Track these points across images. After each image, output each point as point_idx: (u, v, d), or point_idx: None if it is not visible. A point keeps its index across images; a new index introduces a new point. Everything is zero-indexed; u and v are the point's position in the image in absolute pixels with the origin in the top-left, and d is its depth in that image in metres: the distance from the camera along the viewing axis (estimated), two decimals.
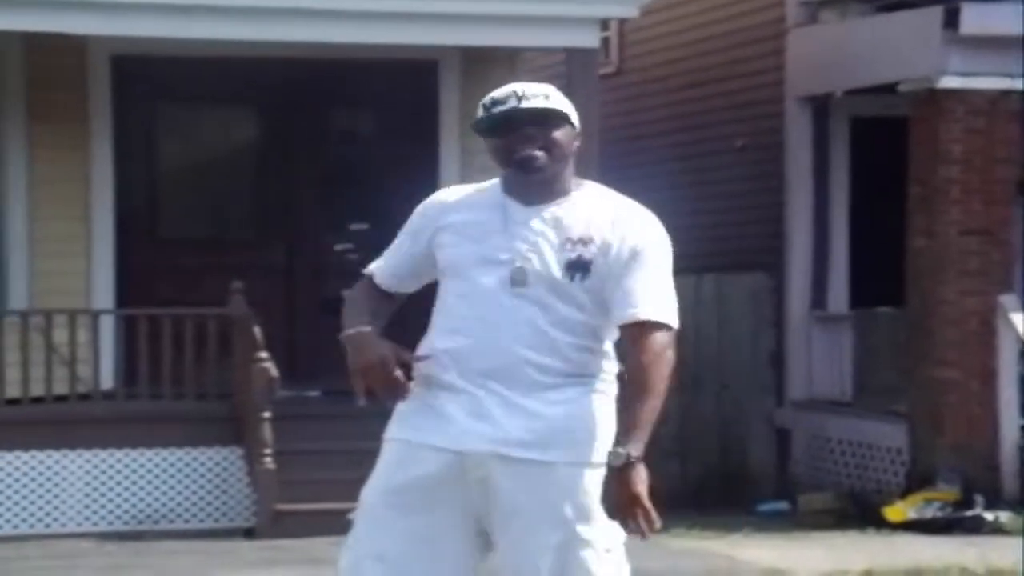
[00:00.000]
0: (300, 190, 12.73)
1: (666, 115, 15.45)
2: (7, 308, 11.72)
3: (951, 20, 11.66)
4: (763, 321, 13.81)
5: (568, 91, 13.99)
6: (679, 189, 15.18)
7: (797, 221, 13.56)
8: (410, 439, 4.02)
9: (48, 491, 11.21)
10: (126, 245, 12.25)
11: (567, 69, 12.16)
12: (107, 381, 11.73)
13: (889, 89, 12.28)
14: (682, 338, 14.24)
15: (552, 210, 4.03)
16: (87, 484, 11.25)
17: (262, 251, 12.65)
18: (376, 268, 4.20)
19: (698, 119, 14.98)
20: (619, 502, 3.92)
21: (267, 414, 10.81)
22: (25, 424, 11.20)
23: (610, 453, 3.92)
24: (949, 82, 11.80)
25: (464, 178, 10.54)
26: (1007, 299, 11.94)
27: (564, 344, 3.99)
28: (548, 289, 3.98)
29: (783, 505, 12.80)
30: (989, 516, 11.30)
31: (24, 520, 11.17)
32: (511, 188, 4.06)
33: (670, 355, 3.98)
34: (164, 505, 11.30)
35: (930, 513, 11.42)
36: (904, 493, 11.82)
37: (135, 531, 11.10)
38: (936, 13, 11.78)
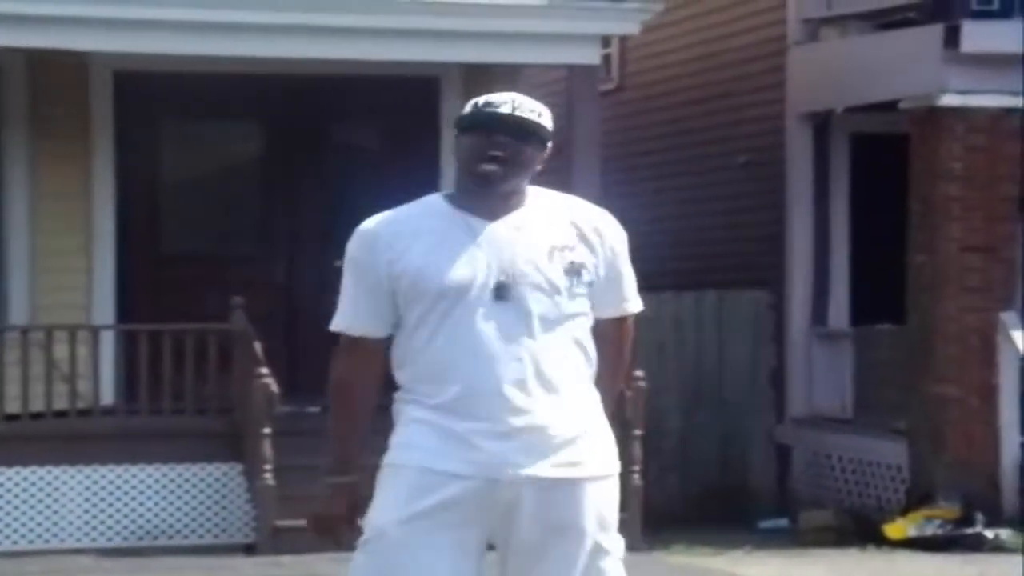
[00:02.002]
0: (301, 205, 12.74)
1: (667, 132, 15.46)
2: (7, 323, 11.72)
3: (951, 38, 11.68)
4: (764, 337, 13.81)
5: (569, 108, 14.05)
6: (680, 205, 15.20)
7: (798, 238, 13.56)
8: (429, 466, 3.94)
9: (48, 507, 11.21)
10: (127, 260, 12.26)
11: (568, 86, 12.18)
12: (107, 397, 11.72)
13: (890, 106, 12.30)
14: (682, 354, 14.19)
15: (521, 218, 3.99)
16: (87, 500, 11.24)
17: (263, 267, 12.65)
18: (357, 324, 4.02)
19: (699, 136, 14.99)
20: None
21: (267, 430, 10.81)
22: (25, 440, 11.19)
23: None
24: (950, 100, 11.82)
25: None
26: (1008, 316, 11.94)
27: (570, 353, 4.00)
28: (548, 299, 3.96)
29: (783, 522, 12.79)
30: (990, 534, 11.29)
31: (24, 536, 11.16)
32: (465, 202, 3.99)
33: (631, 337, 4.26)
34: (164, 521, 11.29)
35: (930, 530, 11.41)
36: (904, 510, 11.81)
37: (135, 547, 11.09)
38: (937, 31, 11.80)
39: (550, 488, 3.95)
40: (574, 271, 3.98)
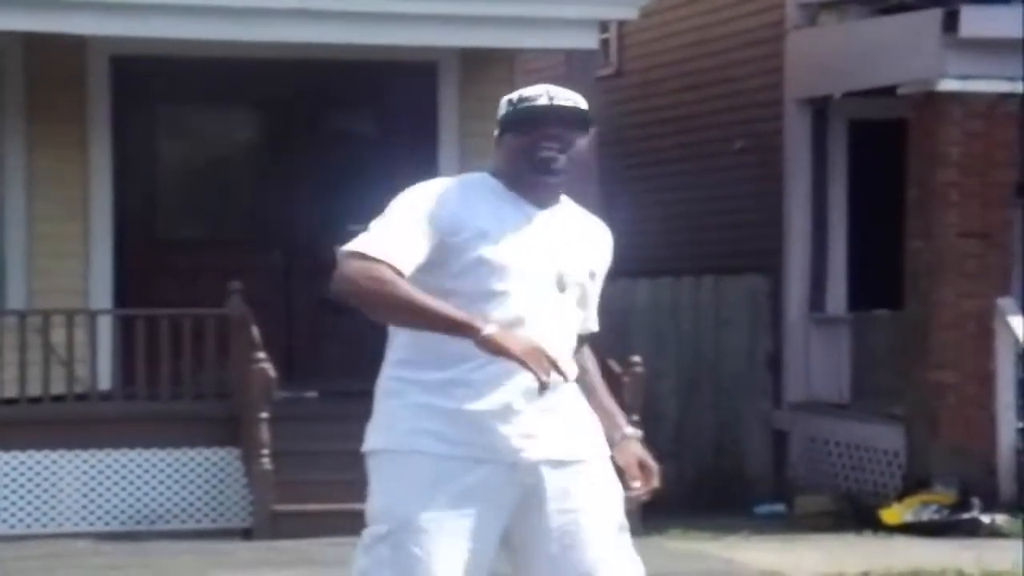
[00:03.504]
0: (298, 191, 12.73)
1: (665, 117, 15.46)
2: (5, 308, 11.72)
3: (950, 23, 11.67)
4: (761, 323, 13.81)
5: None
6: (678, 191, 15.19)
7: (795, 223, 13.56)
8: (446, 452, 3.90)
9: (45, 491, 11.21)
10: (124, 245, 12.26)
11: (566, 71, 12.16)
12: (104, 381, 11.72)
13: (888, 92, 12.29)
14: (679, 340, 14.17)
15: (564, 216, 4.05)
16: (84, 484, 11.25)
17: (260, 252, 12.65)
18: (383, 248, 3.80)
19: (697, 121, 14.98)
20: (647, 466, 4.14)
21: (264, 415, 10.81)
22: (22, 424, 11.20)
23: (629, 433, 4.17)
24: (948, 85, 11.81)
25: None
26: (1005, 302, 11.94)
27: (578, 345, 4.11)
28: (580, 293, 4.05)
29: (780, 507, 12.81)
30: (986, 519, 11.30)
31: (21, 520, 11.17)
32: (518, 187, 3.98)
33: None
34: (161, 505, 11.30)
35: (927, 516, 11.42)
36: (901, 495, 11.82)
37: (132, 531, 11.09)
38: (935, 16, 11.79)
39: (568, 469, 3.98)
40: (592, 276, 4.09)
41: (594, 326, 4.18)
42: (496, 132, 4.02)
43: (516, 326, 3.88)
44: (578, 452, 4.01)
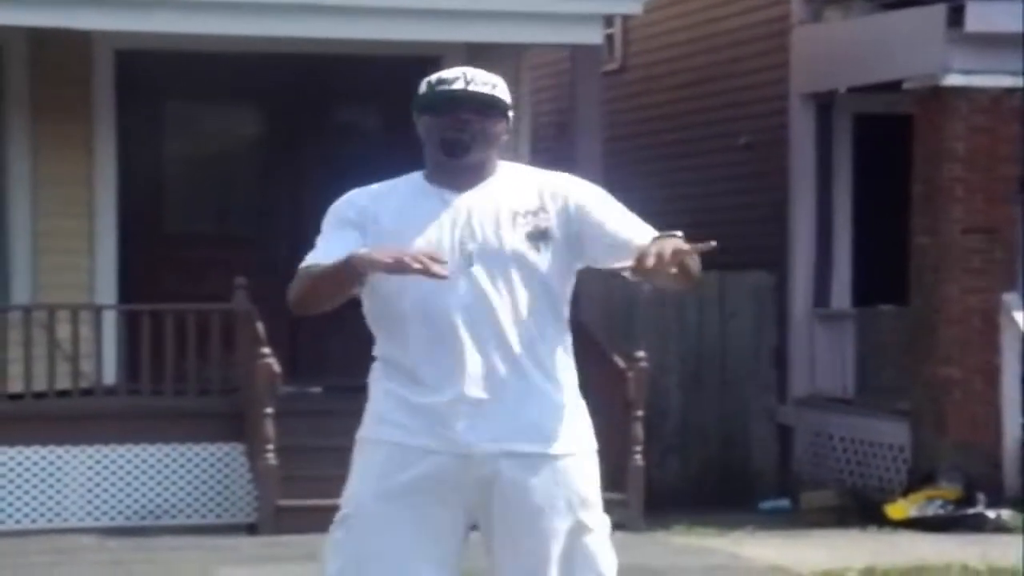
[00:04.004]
0: (304, 186, 12.73)
1: (669, 112, 15.45)
2: (10, 303, 11.72)
3: (955, 18, 11.65)
4: (766, 318, 13.81)
5: (572, 88, 14.01)
6: (682, 186, 15.18)
7: (800, 218, 13.55)
8: (401, 441, 3.95)
9: (50, 486, 11.22)
10: (129, 241, 12.26)
11: (571, 66, 12.16)
12: (109, 376, 11.73)
13: (893, 87, 12.28)
14: (685, 335, 14.15)
15: (488, 189, 4.00)
16: (89, 479, 11.26)
17: (265, 247, 12.65)
18: (311, 259, 4.02)
19: (702, 116, 14.97)
20: (677, 248, 3.86)
21: (270, 410, 10.81)
22: (27, 419, 11.21)
23: (664, 234, 3.91)
24: (953, 80, 11.79)
25: None
26: (1010, 297, 11.93)
27: (540, 324, 3.97)
28: (516, 268, 3.95)
29: (785, 502, 12.80)
30: (991, 514, 11.30)
31: (26, 515, 11.18)
32: (438, 177, 4.02)
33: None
34: (166, 501, 11.31)
35: (932, 511, 11.42)
36: (906, 491, 11.82)
37: (137, 527, 11.10)
38: (940, 11, 11.77)
39: (525, 463, 3.94)
40: (539, 235, 3.97)
41: (646, 237, 3.92)
42: (415, 114, 4.05)
43: (426, 312, 3.90)
44: (541, 446, 3.95)
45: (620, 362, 11.18)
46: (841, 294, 13.50)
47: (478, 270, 3.92)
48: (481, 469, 3.93)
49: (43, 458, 11.25)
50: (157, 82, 12.43)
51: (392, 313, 3.98)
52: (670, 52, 15.40)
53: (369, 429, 4.03)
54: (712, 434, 13.72)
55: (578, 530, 3.99)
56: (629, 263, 3.88)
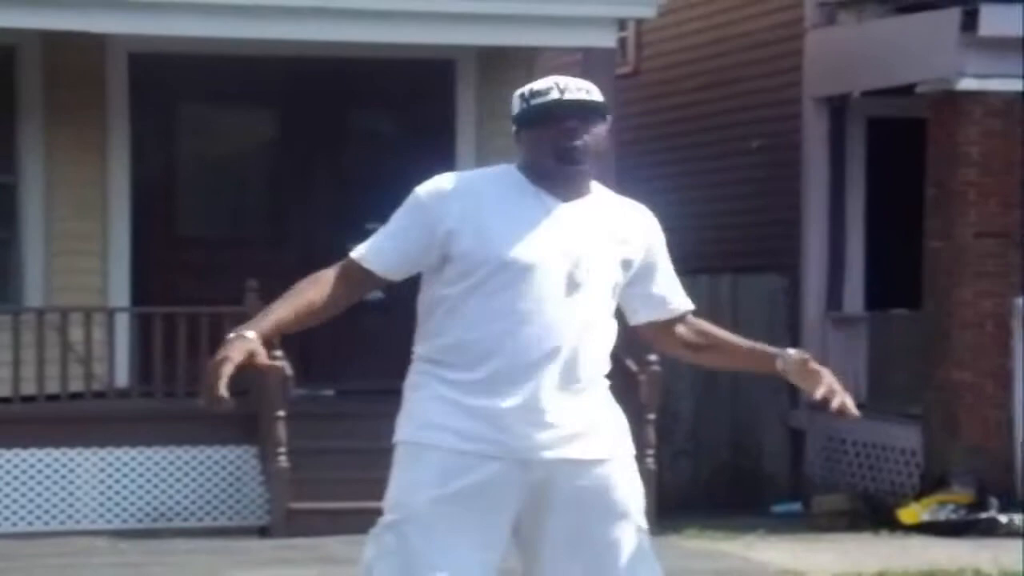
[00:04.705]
0: (316, 189, 12.74)
1: (683, 115, 15.44)
2: (23, 306, 11.74)
3: (969, 22, 11.64)
4: (778, 322, 13.79)
5: None
6: (695, 190, 15.17)
7: (813, 222, 13.54)
8: (460, 447, 3.91)
9: (62, 488, 11.23)
10: (142, 243, 12.27)
11: (584, 69, 12.15)
12: (122, 379, 11.74)
13: (906, 91, 12.26)
14: None
15: (590, 206, 4.01)
16: (101, 482, 11.27)
17: (278, 250, 12.66)
18: (370, 253, 3.97)
19: (715, 120, 14.97)
20: (828, 379, 4.34)
21: (281, 413, 10.82)
22: (40, 421, 11.22)
23: (793, 354, 4.37)
24: (967, 84, 11.78)
25: None
26: (1023, 301, 11.91)
27: (603, 346, 4.03)
28: (603, 287, 4.00)
29: (797, 506, 12.79)
30: (1003, 518, 11.28)
31: (38, 517, 11.20)
32: (542, 181, 3.97)
33: None
34: (178, 503, 11.32)
35: (944, 515, 11.40)
36: (918, 495, 11.80)
37: (149, 529, 11.11)
38: (954, 15, 11.76)
39: (582, 469, 3.97)
40: (626, 264, 4.05)
41: (681, 306, 4.21)
42: (514, 129, 4.01)
43: (514, 319, 3.88)
44: (596, 452, 3.98)
45: (632, 366, 11.18)
46: (854, 298, 13.49)
47: (575, 287, 3.95)
48: (536, 474, 3.94)
49: (55, 460, 11.27)
50: (170, 85, 12.44)
51: (460, 316, 3.93)
52: (683, 56, 15.39)
53: (419, 434, 3.96)
54: (724, 438, 13.71)
55: (634, 531, 4.03)
56: (656, 317, 4.18)
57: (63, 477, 11.25)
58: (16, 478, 11.19)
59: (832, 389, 4.24)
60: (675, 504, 11.77)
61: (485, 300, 3.89)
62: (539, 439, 3.92)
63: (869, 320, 13.18)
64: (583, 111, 3.96)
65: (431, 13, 11.30)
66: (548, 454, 3.93)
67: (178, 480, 11.35)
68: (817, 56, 13.53)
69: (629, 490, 4.04)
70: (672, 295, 4.18)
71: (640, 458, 12.41)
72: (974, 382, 11.93)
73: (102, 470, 11.29)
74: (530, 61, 12.68)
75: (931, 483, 11.83)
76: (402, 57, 12.15)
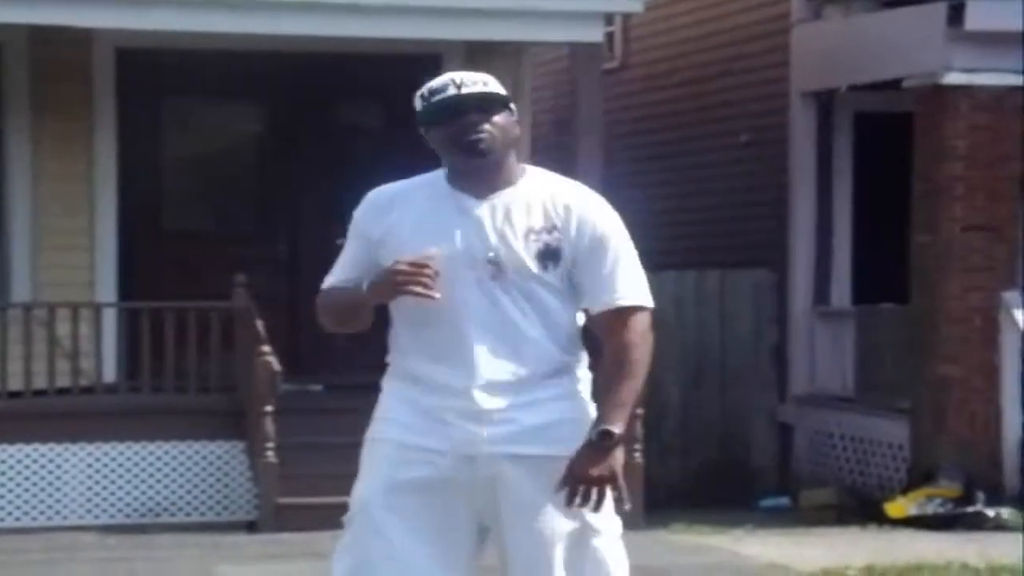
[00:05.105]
0: (304, 183, 12.73)
1: (670, 110, 15.44)
2: (10, 301, 11.72)
3: (956, 16, 11.65)
4: (766, 317, 13.81)
5: (572, 86, 13.96)
6: (682, 184, 15.18)
7: (800, 217, 13.55)
8: (406, 441, 3.98)
9: (50, 484, 11.22)
10: (129, 238, 12.26)
11: (571, 64, 12.16)
12: (110, 374, 11.73)
13: (893, 85, 12.27)
14: (684, 333, 14.16)
15: (504, 199, 3.99)
16: (89, 477, 11.26)
17: (266, 245, 12.65)
18: (337, 281, 4.09)
19: (702, 114, 14.97)
20: (595, 476, 3.89)
21: (270, 408, 10.82)
22: (27, 417, 11.21)
23: (594, 431, 3.92)
24: (954, 78, 11.79)
25: None
26: (1010, 296, 11.93)
27: (548, 335, 3.98)
28: (525, 280, 3.95)
29: (784, 501, 12.80)
30: (991, 512, 11.30)
31: (26, 513, 11.18)
32: (458, 180, 4.01)
33: (650, 336, 4.09)
34: (166, 498, 11.31)
35: (931, 509, 11.42)
36: (906, 489, 11.82)
37: (137, 524, 11.11)
38: (941, 9, 11.77)
39: (528, 465, 3.95)
40: (548, 255, 3.97)
41: (619, 300, 3.97)
42: (421, 130, 4.06)
43: (436, 320, 3.93)
44: (544, 448, 3.95)
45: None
46: (841, 292, 13.50)
47: (489, 281, 3.94)
48: (485, 471, 3.94)
49: (43, 456, 11.25)
50: (158, 80, 12.42)
51: (410, 318, 4.01)
52: (671, 50, 15.40)
53: (374, 429, 4.07)
54: (712, 432, 13.72)
55: (585, 532, 3.98)
56: (589, 307, 4.01)
57: (50, 473, 11.23)
58: (3, 474, 11.17)
59: (609, 488, 3.93)
60: (663, 498, 11.78)
61: (415, 305, 3.95)
62: (482, 435, 3.93)
63: (856, 314, 13.19)
64: (482, 103, 3.97)
65: (418, 8, 11.29)
66: (491, 450, 3.93)
67: (166, 475, 11.34)
68: (804, 51, 13.54)
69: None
70: (604, 289, 3.99)
71: (628, 453, 12.39)
72: (961, 376, 11.95)
73: (89, 465, 11.27)
74: (517, 56, 12.68)
75: (918, 477, 11.85)
76: (389, 52, 12.14)
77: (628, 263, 4.02)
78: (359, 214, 4.09)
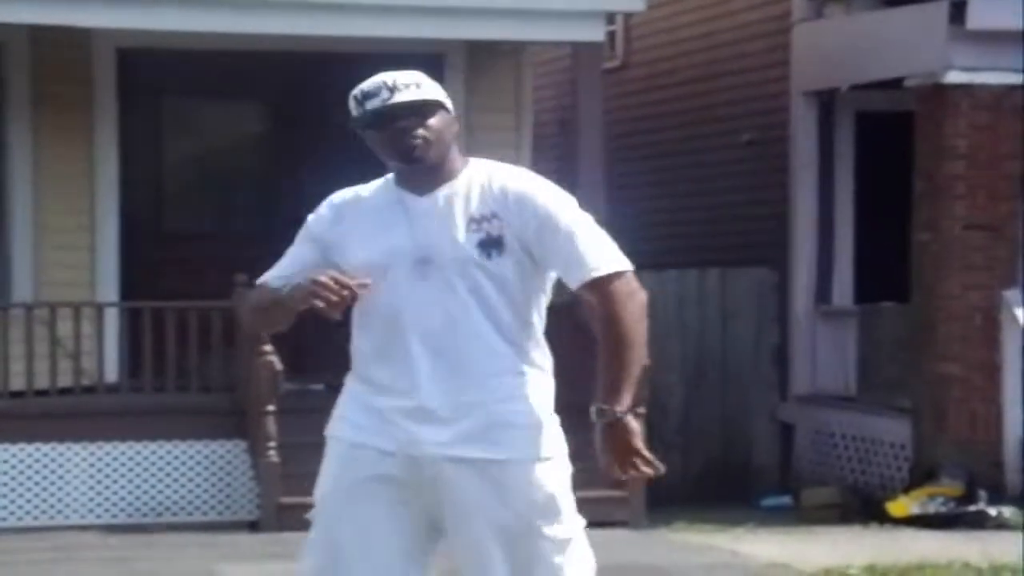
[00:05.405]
0: (304, 183, 12.72)
1: (671, 110, 15.44)
2: (11, 301, 11.73)
3: (957, 15, 11.65)
4: (767, 316, 13.81)
5: (573, 85, 13.96)
6: (684, 184, 15.18)
7: (802, 216, 13.56)
8: (353, 439, 4.02)
9: (52, 483, 11.23)
10: (130, 238, 12.26)
11: (572, 63, 12.16)
12: (111, 374, 11.73)
13: (895, 84, 12.28)
14: (686, 332, 14.14)
15: (446, 193, 3.98)
16: (91, 477, 11.26)
17: (266, 244, 12.61)
18: (271, 277, 4.17)
19: (703, 114, 14.97)
20: (616, 457, 3.88)
21: (271, 407, 10.82)
22: (29, 417, 11.21)
23: (596, 410, 3.87)
24: (955, 77, 11.79)
25: None
26: (1011, 294, 11.93)
27: (494, 332, 3.93)
28: (471, 274, 3.91)
29: (786, 500, 12.80)
30: (992, 511, 11.30)
31: (28, 512, 11.19)
32: (402, 180, 4.04)
33: (640, 296, 3.94)
34: (168, 498, 11.31)
35: (933, 508, 11.42)
36: (907, 488, 11.82)
37: (139, 524, 11.11)
38: (942, 8, 11.77)
39: (469, 467, 3.91)
40: (491, 243, 3.92)
41: (592, 273, 3.86)
42: (356, 132, 4.09)
43: (381, 320, 3.94)
44: (486, 451, 3.90)
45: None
46: (843, 291, 13.50)
47: (432, 277, 3.92)
48: (428, 472, 3.94)
49: (45, 455, 11.26)
50: (158, 80, 12.42)
51: (360, 320, 4.05)
52: (672, 49, 15.40)
53: (331, 427, 4.15)
54: (713, 431, 13.72)
55: (529, 536, 3.91)
56: (580, 281, 3.89)
57: (52, 472, 11.24)
58: (5, 473, 11.18)
59: (633, 465, 3.92)
60: (664, 498, 11.78)
61: (363, 307, 3.99)
62: (424, 436, 3.92)
63: (858, 313, 13.20)
64: (415, 109, 3.98)
65: (420, 7, 11.30)
66: (433, 451, 3.92)
67: (168, 475, 11.34)
68: (805, 50, 13.54)
69: (527, 493, 3.90)
70: (573, 265, 3.90)
71: None
72: (962, 375, 11.95)
73: (91, 465, 11.28)
74: (519, 55, 12.68)
75: (920, 476, 11.85)
76: (390, 51, 12.11)
77: (586, 232, 3.93)
78: (313, 218, 4.14)
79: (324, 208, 4.14)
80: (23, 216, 12.00)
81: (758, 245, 14.09)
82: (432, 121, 3.97)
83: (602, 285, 3.89)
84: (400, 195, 4.03)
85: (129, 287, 12.14)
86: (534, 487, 3.92)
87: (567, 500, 3.96)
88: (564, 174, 14.01)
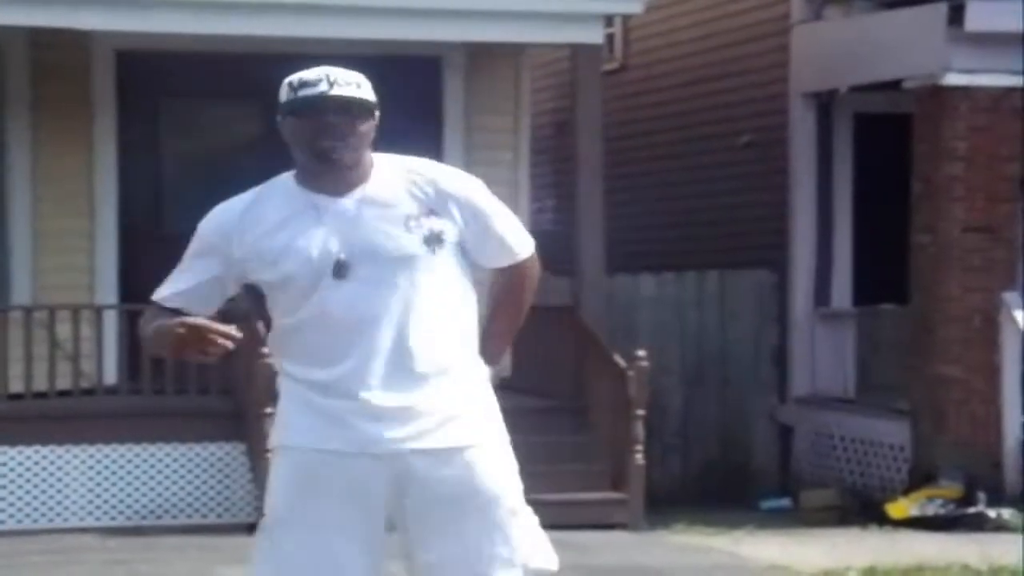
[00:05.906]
0: None
1: (670, 111, 15.45)
2: (11, 303, 11.73)
3: (956, 17, 11.66)
4: (766, 318, 13.81)
5: (572, 87, 13.95)
6: (683, 186, 15.19)
7: (801, 218, 13.56)
8: (312, 445, 3.97)
9: (51, 486, 11.22)
10: (130, 240, 12.26)
11: (571, 65, 12.16)
12: (110, 376, 11.73)
13: (893, 86, 12.28)
14: (685, 334, 14.11)
15: (367, 193, 3.95)
16: (90, 479, 11.26)
17: None
18: (169, 295, 4.18)
19: (702, 115, 14.98)
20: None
21: (269, 410, 10.80)
22: (28, 419, 11.21)
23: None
24: (953, 79, 11.80)
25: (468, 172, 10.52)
26: (1010, 296, 11.94)
27: (440, 326, 3.93)
28: (404, 272, 3.90)
29: (785, 502, 12.81)
30: (992, 513, 11.31)
31: (27, 515, 11.18)
32: (310, 180, 3.98)
33: (538, 269, 4.13)
34: (167, 500, 11.31)
35: (932, 510, 11.42)
36: (907, 490, 11.83)
37: (137, 526, 11.11)
38: (941, 10, 11.78)
39: (436, 458, 3.92)
40: (434, 239, 3.92)
41: (517, 256, 4.02)
42: (278, 117, 4.04)
43: (316, 326, 3.91)
44: (454, 440, 3.93)
45: (620, 361, 11.18)
46: (842, 293, 13.51)
47: (362, 277, 3.89)
48: (395, 468, 3.92)
49: (44, 458, 11.25)
50: (157, 82, 12.43)
51: (289, 325, 3.99)
52: (671, 51, 15.40)
53: (278, 436, 4.09)
54: (713, 433, 13.73)
55: (503, 513, 3.96)
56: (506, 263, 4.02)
57: (51, 475, 11.24)
58: (4, 476, 11.18)
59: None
60: (664, 499, 11.78)
61: (292, 312, 3.95)
62: (386, 433, 3.91)
63: (857, 315, 13.20)
64: (348, 107, 3.93)
65: (418, 9, 11.30)
66: (400, 447, 3.91)
67: (167, 477, 11.34)
68: (804, 52, 13.55)
69: (491, 473, 3.96)
70: (499, 250, 4.02)
71: (628, 453, 12.36)
72: (962, 377, 11.95)
73: (90, 467, 11.27)
74: (517, 57, 12.68)
75: (919, 478, 11.85)
76: (389, 53, 12.14)
77: (503, 216, 4.04)
78: (210, 231, 4.09)
79: (220, 220, 4.07)
80: (22, 218, 12.00)
81: (757, 247, 14.10)
82: (360, 126, 3.94)
83: (519, 265, 4.08)
84: (310, 198, 3.95)
85: (128, 289, 12.14)
86: (498, 467, 3.98)
87: (517, 479, 4.03)
88: (562, 176, 14.02)
